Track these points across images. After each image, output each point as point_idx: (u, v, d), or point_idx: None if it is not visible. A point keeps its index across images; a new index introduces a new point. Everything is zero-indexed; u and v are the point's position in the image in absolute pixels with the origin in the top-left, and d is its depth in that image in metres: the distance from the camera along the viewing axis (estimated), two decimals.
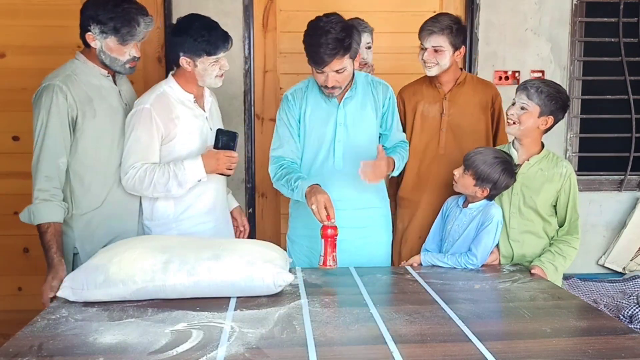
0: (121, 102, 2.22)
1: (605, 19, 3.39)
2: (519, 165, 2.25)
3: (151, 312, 1.67)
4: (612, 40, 3.39)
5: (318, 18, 2.22)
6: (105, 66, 2.16)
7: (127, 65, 2.16)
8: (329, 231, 2.02)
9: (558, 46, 3.34)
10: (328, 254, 2.02)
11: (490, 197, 2.23)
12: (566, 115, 3.24)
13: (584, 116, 3.47)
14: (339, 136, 2.32)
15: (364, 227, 2.36)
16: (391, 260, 2.54)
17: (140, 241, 1.92)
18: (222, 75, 2.23)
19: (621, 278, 3.39)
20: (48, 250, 2.02)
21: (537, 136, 2.25)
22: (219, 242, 1.95)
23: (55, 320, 1.61)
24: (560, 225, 2.27)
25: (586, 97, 3.46)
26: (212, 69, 2.18)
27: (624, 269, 3.49)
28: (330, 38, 2.13)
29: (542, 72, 3.34)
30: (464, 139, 2.50)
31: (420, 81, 2.61)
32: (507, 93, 3.22)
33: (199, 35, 2.12)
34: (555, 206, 2.26)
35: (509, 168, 2.19)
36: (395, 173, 2.36)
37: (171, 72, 2.28)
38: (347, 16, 2.46)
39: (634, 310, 2.79)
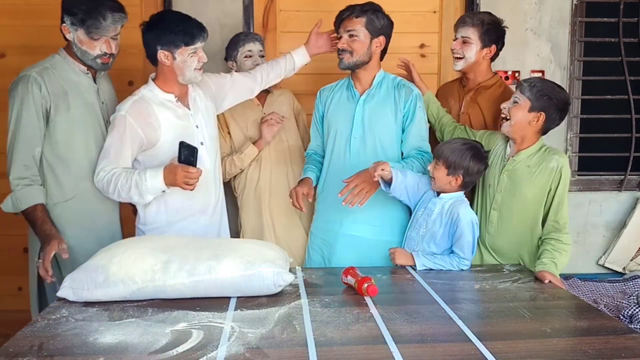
0: (98, 99, 2.26)
1: (605, 19, 3.39)
2: (489, 152, 2.29)
3: (151, 312, 1.67)
4: (612, 40, 3.38)
5: None
6: (82, 61, 2.18)
7: (99, 60, 2.17)
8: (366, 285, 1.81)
9: (558, 46, 3.34)
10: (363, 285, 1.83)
11: (464, 186, 2.24)
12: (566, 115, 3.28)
13: (584, 116, 3.46)
14: (355, 132, 2.40)
15: (375, 226, 2.41)
16: None
17: (141, 241, 1.93)
18: (200, 68, 2.21)
19: (621, 278, 3.39)
20: (42, 225, 2.05)
21: (530, 135, 2.23)
22: (219, 242, 1.95)
23: (56, 320, 1.61)
24: (546, 221, 2.24)
25: (586, 97, 3.46)
26: (191, 61, 2.16)
27: (624, 269, 3.48)
28: (354, 4, 2.38)
29: (542, 72, 3.34)
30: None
31: (454, 80, 2.76)
32: None
33: (175, 26, 2.12)
34: (545, 203, 2.23)
35: (478, 154, 2.22)
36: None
37: (150, 76, 2.26)
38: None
39: (634, 310, 2.78)
